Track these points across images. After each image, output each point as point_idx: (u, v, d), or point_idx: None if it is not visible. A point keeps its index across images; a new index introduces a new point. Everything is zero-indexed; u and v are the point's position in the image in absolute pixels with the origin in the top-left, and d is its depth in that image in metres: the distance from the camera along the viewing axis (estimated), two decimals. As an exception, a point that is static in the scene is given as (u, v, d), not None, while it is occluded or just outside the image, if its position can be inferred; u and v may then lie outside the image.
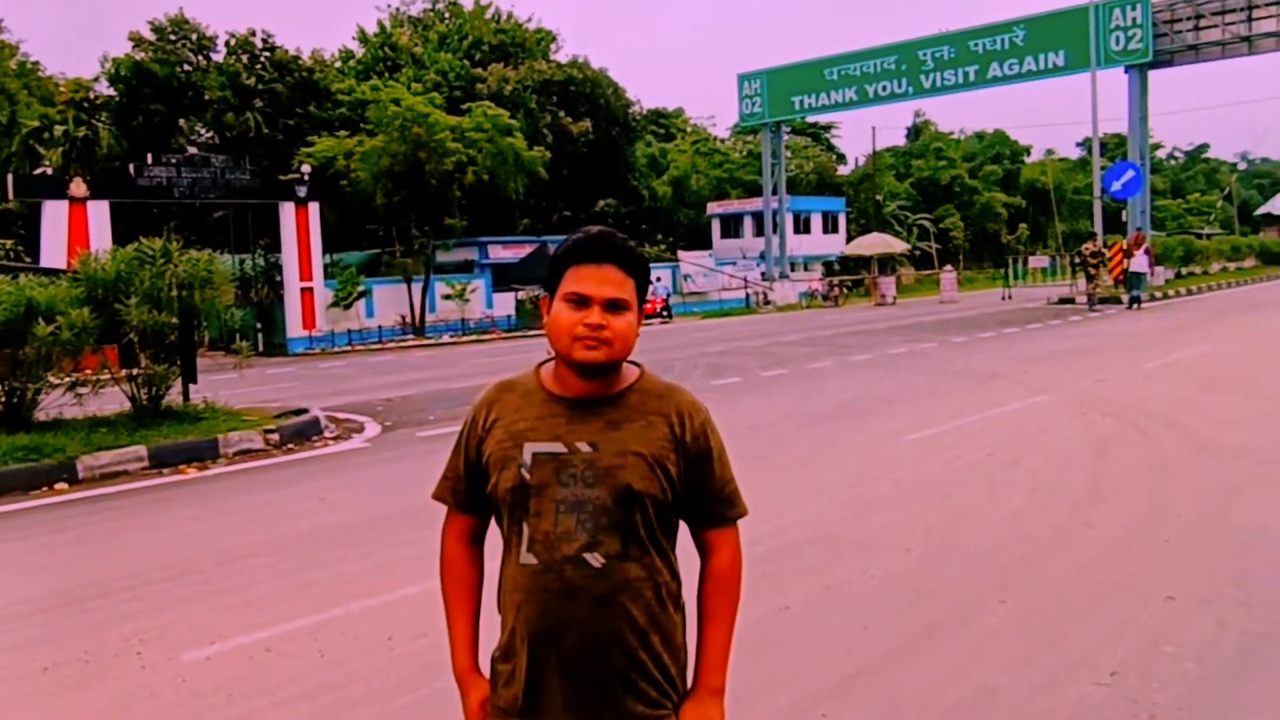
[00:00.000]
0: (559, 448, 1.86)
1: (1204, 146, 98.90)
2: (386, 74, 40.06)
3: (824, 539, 5.97)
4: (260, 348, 27.00)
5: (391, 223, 32.76)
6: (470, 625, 2.03)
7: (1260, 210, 66.33)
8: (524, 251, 36.23)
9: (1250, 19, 30.26)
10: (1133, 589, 4.90)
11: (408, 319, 30.77)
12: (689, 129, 60.55)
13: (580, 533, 1.83)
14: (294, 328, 28.12)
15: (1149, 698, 3.70)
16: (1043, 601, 4.80)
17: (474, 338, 29.91)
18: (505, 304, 33.57)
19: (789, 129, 49.82)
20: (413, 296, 30.76)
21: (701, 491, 1.94)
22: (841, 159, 63.71)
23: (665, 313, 33.93)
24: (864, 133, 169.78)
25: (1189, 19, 31.11)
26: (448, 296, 31.88)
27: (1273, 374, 12.52)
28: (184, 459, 9.49)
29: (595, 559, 1.83)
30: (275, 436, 10.37)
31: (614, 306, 1.85)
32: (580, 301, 1.84)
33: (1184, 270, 38.97)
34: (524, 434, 1.88)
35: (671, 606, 1.91)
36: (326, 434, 11.04)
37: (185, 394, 11.07)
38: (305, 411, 11.60)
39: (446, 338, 29.86)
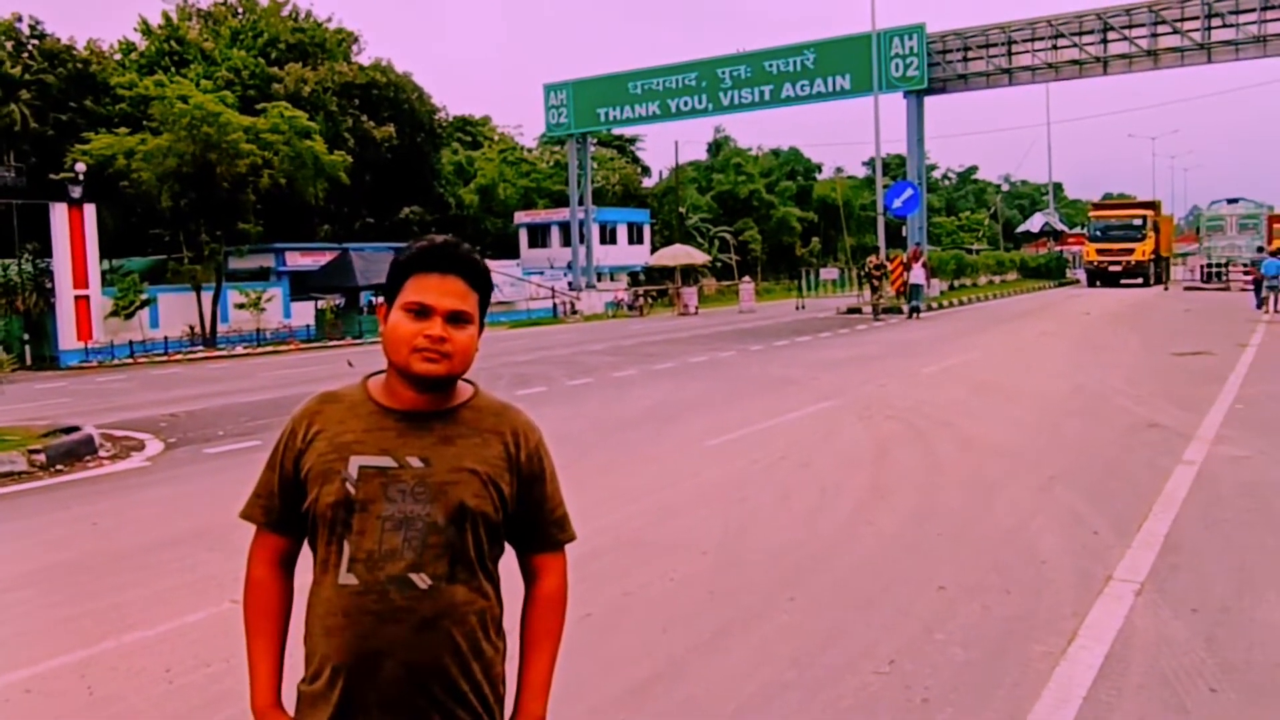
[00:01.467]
0: (388, 462, 1.77)
1: (974, 168, 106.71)
2: (173, 69, 37.77)
3: (625, 544, 6.07)
4: (27, 360, 24.77)
5: (179, 227, 30.84)
6: (275, 657, 1.87)
7: (1021, 228, 72.48)
8: (324, 259, 35.02)
9: (1010, 54, 33.32)
10: (909, 581, 5.25)
11: (197, 329, 29.04)
12: (496, 137, 60.15)
13: (406, 551, 1.74)
14: (67, 339, 25.99)
15: (922, 683, 3.98)
16: (829, 596, 5.07)
17: (270, 349, 28.58)
18: (304, 313, 32.22)
19: (595, 140, 50.38)
20: (202, 305, 29.07)
21: (532, 514, 1.89)
22: (646, 171, 65.04)
23: None
24: (668, 146, 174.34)
25: (958, 50, 33.85)
26: (241, 305, 30.30)
27: (1030, 378, 13.73)
28: (-69, 485, 8.59)
29: (421, 580, 1.74)
30: (41, 457, 9.54)
31: (456, 319, 1.79)
32: (421, 312, 1.77)
33: (956, 283, 42.17)
34: (349, 446, 1.78)
35: (494, 633, 1.84)
36: (101, 453, 10.26)
37: (-67, 413, 10.03)
38: (77, 429, 10.72)
39: (240, 349, 28.39)
